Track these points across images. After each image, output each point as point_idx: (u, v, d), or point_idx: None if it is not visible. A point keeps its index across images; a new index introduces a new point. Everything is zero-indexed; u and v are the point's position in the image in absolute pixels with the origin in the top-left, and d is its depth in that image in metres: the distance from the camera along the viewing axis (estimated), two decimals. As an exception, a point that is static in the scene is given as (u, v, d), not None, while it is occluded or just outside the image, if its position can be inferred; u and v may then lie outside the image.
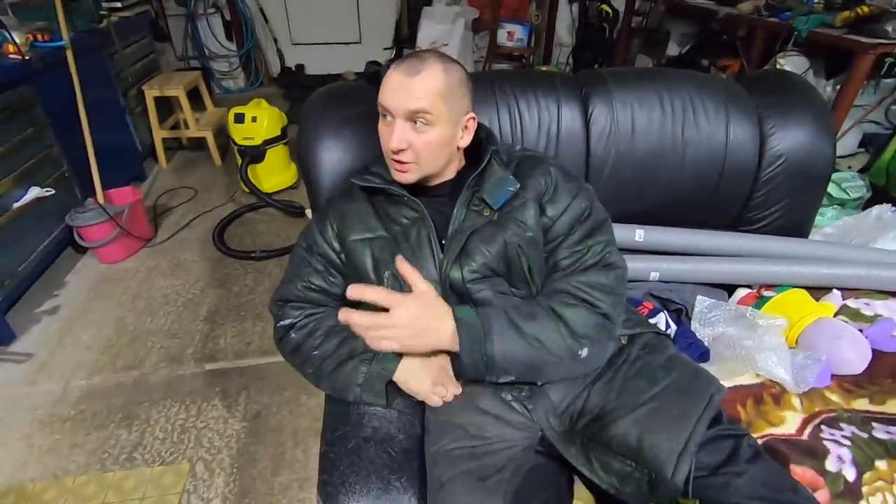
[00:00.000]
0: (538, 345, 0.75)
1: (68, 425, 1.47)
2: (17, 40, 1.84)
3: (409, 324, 0.73)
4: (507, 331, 0.75)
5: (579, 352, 0.77)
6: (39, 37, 2.01)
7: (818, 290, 1.15)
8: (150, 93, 2.83)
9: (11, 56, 1.83)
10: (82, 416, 1.50)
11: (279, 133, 2.65)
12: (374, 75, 4.11)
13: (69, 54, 2.02)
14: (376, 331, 0.73)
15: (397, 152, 0.78)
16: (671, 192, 1.21)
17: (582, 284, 0.80)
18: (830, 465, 0.81)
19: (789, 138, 1.17)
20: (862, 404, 0.92)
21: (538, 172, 0.85)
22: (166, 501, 1.26)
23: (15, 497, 1.27)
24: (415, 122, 0.78)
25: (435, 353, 0.82)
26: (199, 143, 3.19)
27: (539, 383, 0.81)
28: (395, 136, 0.77)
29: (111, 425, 1.47)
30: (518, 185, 0.83)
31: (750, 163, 1.19)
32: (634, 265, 1.19)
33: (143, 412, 1.51)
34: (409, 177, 0.82)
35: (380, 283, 0.84)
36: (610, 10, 3.83)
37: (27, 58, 1.86)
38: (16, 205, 1.80)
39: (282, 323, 0.89)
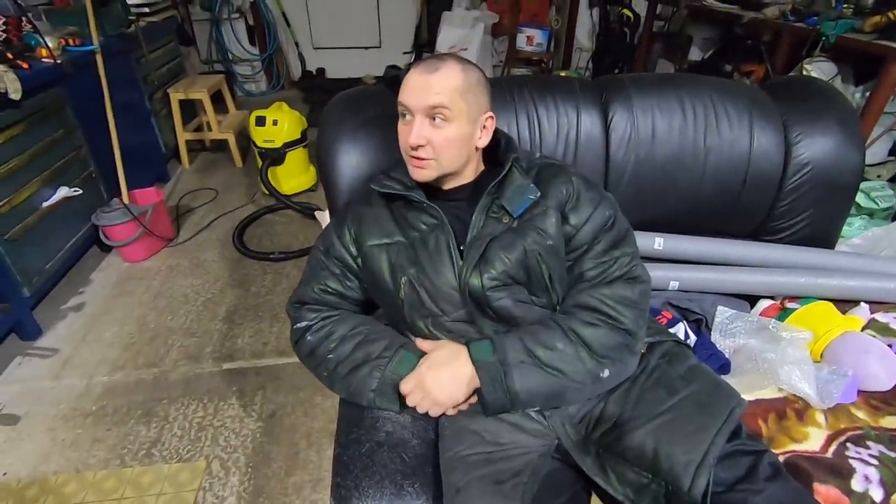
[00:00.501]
0: (559, 374, 0.76)
1: (90, 420, 1.51)
2: (50, 45, 1.90)
3: (425, 381, 0.78)
4: (527, 364, 0.76)
5: (601, 374, 0.78)
6: (71, 41, 2.08)
7: (845, 303, 1.12)
8: (175, 96, 2.89)
9: (44, 60, 1.89)
10: (104, 412, 1.53)
11: (299, 136, 2.68)
12: (393, 79, 4.14)
13: (99, 58, 2.08)
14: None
15: (416, 148, 0.79)
16: (692, 200, 1.19)
17: (606, 298, 0.80)
18: (856, 484, 0.78)
19: (816, 146, 1.14)
20: (890, 422, 0.89)
21: (560, 181, 0.84)
22: (182, 498, 1.28)
23: (38, 489, 1.31)
24: (434, 119, 0.78)
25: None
26: (221, 145, 3.25)
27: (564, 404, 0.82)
28: (414, 131, 0.78)
29: (131, 421, 1.50)
30: (538, 194, 0.83)
31: (774, 171, 1.16)
32: (653, 273, 1.16)
33: (161, 409, 1.54)
34: (427, 174, 0.82)
35: (396, 288, 0.84)
36: (631, 15, 3.80)
37: (59, 62, 1.92)
38: (45, 204, 1.86)
39: (298, 325, 0.90)
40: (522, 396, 0.76)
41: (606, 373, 0.78)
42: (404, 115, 0.81)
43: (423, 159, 0.80)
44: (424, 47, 4.45)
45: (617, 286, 0.81)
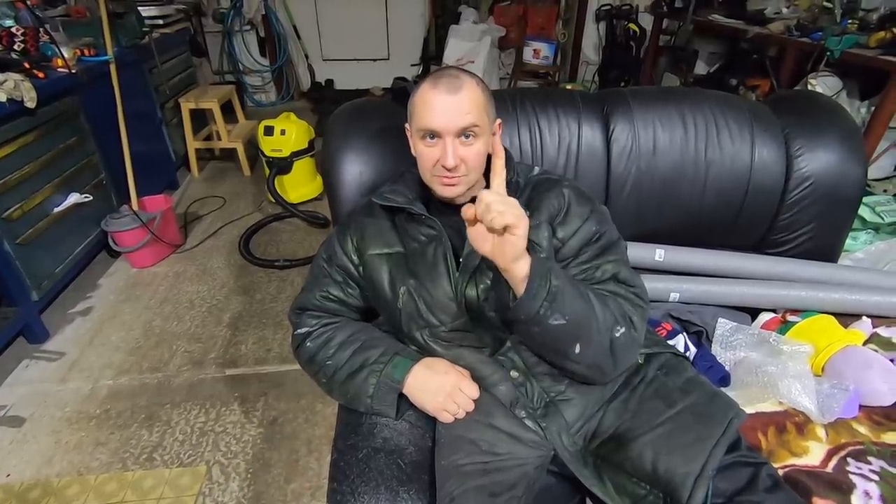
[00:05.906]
0: (587, 302, 0.72)
1: (94, 423, 1.52)
2: (66, 55, 1.95)
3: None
4: (565, 278, 0.72)
5: (616, 329, 0.74)
6: (86, 52, 2.14)
7: (847, 317, 1.11)
8: (186, 105, 2.94)
9: (60, 70, 1.94)
10: (107, 415, 1.55)
11: (306, 146, 2.72)
12: (400, 91, 4.19)
13: (112, 68, 2.13)
14: None
15: (452, 168, 0.78)
16: (693, 212, 1.20)
17: (599, 288, 0.79)
18: (857, 500, 0.77)
19: (817, 160, 1.15)
20: (892, 438, 0.87)
21: (552, 194, 0.85)
22: (182, 503, 1.29)
23: (41, 491, 1.32)
24: (465, 137, 0.78)
25: (449, 370, 0.83)
26: (229, 154, 3.29)
27: (574, 352, 0.74)
28: (449, 154, 0.77)
29: (134, 425, 1.51)
30: (528, 214, 0.83)
31: (775, 184, 1.17)
32: (654, 285, 1.17)
33: (164, 414, 1.55)
34: (458, 189, 0.81)
35: (395, 298, 0.85)
36: (637, 29, 3.83)
37: (74, 71, 1.96)
38: (56, 209, 1.89)
39: (299, 331, 0.91)
40: (558, 298, 0.68)
41: (620, 331, 0.74)
42: (430, 137, 0.79)
43: (457, 177, 0.80)
44: (432, 59, 4.50)
45: (608, 284, 0.80)
